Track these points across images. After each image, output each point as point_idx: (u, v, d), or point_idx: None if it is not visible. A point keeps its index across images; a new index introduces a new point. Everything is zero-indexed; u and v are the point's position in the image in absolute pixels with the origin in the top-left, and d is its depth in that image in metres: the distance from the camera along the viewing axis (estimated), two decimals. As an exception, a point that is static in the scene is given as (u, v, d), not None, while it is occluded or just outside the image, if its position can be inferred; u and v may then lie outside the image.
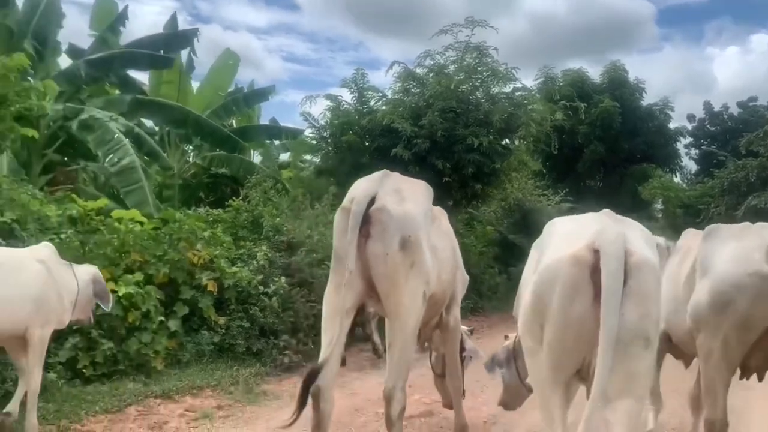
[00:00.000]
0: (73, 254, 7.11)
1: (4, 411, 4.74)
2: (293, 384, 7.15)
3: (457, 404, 5.20)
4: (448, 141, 12.66)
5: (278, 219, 9.58)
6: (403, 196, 4.07)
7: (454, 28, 13.22)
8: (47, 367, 6.01)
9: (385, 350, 8.52)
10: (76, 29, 32.58)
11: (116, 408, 5.72)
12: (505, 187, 14.40)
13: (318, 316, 8.46)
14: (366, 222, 3.87)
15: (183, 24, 17.10)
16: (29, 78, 9.61)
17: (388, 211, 3.91)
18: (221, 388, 6.65)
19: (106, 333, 6.62)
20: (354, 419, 5.76)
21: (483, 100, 13.38)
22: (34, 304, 4.62)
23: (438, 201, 13.54)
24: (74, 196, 7.73)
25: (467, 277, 5.26)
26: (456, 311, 5.03)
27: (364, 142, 13.47)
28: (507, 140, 13.90)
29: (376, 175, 4.21)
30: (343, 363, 7.94)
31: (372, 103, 13.98)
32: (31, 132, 6.99)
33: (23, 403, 4.73)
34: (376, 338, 8.56)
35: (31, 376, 4.71)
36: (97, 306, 5.32)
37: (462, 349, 5.21)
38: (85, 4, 43.73)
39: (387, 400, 4.09)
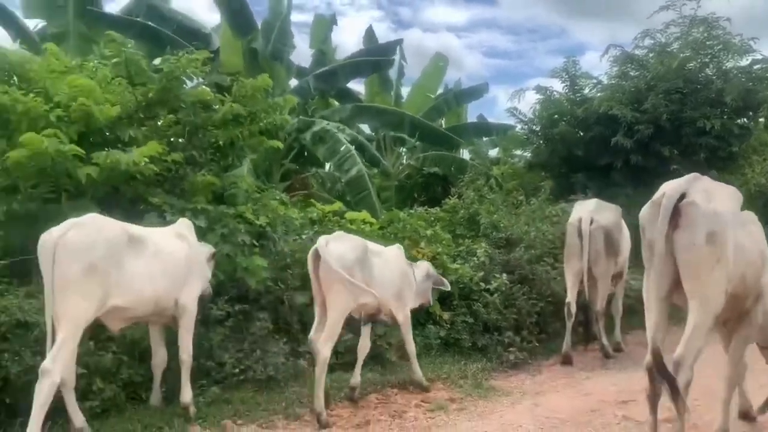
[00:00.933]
0: (314, 253, 7.87)
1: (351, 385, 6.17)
2: (521, 381, 7.15)
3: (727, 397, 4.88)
4: (674, 125, 11.71)
5: (495, 216, 9.61)
6: (712, 197, 4.33)
7: (677, 2, 12.20)
8: (298, 356, 6.75)
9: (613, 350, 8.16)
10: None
11: (359, 395, 6.16)
12: (745, 172, 12.92)
13: (541, 314, 8.50)
14: (675, 215, 4.20)
15: (386, 31, 18.25)
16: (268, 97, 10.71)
17: (697, 205, 4.23)
18: (451, 381, 6.83)
19: (348, 325, 7.18)
20: (593, 419, 5.56)
21: (714, 78, 12.13)
22: (397, 291, 6.25)
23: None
24: (313, 200, 8.51)
25: None
26: (760, 311, 4.86)
27: (577, 133, 12.99)
28: (744, 120, 12.45)
29: (688, 176, 4.52)
30: (569, 362, 7.79)
31: (586, 91, 13.44)
32: (276, 144, 7.82)
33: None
34: (604, 339, 8.18)
35: (408, 342, 6.50)
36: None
37: None
38: (297, 24, 47.60)
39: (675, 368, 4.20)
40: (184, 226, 5.64)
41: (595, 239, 7.87)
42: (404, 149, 17.49)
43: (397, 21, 55.19)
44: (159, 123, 7.23)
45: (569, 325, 7.94)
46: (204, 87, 7.38)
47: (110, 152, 6.05)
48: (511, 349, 7.73)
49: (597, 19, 56.39)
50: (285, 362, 6.40)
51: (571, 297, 7.98)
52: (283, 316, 7.10)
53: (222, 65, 12.76)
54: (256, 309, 6.70)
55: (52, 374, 4.18)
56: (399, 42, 17.69)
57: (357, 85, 17.52)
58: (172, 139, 7.33)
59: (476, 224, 9.91)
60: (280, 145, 8.17)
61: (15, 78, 6.72)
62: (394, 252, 6.51)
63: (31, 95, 6.21)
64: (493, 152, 18.86)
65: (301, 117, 13.02)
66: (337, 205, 8.19)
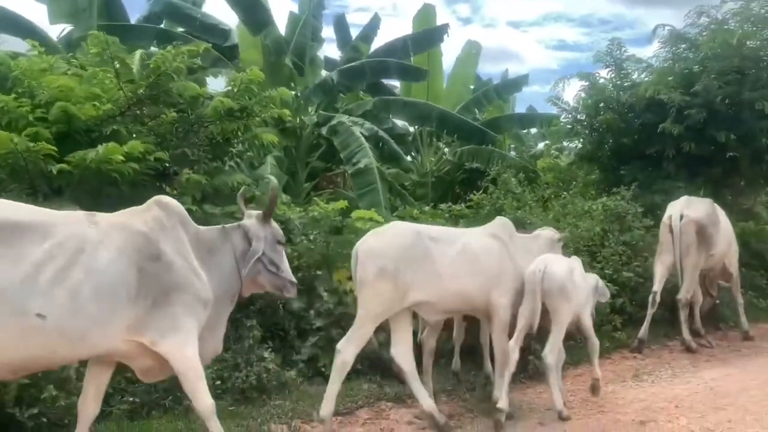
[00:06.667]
0: (320, 253, 7.39)
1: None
2: (537, 394, 6.46)
3: None
4: (730, 108, 10.60)
5: (519, 212, 8.86)
6: None
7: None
8: (290, 365, 6.30)
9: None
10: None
11: (346, 410, 5.66)
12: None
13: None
14: None
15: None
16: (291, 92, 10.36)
17: None
18: (457, 396, 6.24)
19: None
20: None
21: (777, 56, 10.90)
22: None
23: (725, 181, 11.53)
24: (316, 199, 8.03)
25: None
26: None
27: (625, 121, 11.99)
28: (814, 102, 11.13)
29: None
30: (640, 351, 7.90)
31: (635, 75, 12.41)
32: (271, 138, 7.40)
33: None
34: (686, 333, 8.13)
35: None
36: None
37: None
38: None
39: None
40: (499, 225, 5.73)
41: (685, 234, 8.01)
42: (443, 144, 16.80)
43: (457, 17, 54.33)
44: (150, 120, 6.94)
45: (650, 312, 8.03)
46: (191, 82, 6.99)
47: (83, 151, 5.78)
48: (529, 357, 7.02)
49: (667, 7, 53.62)
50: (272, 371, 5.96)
51: (657, 287, 8.11)
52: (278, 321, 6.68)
53: (241, 60, 12.50)
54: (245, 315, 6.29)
55: (343, 354, 5.03)
56: (444, 28, 15.67)
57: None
58: (167, 136, 7.04)
59: (503, 221, 9.20)
60: (274, 139, 7.71)
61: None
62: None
63: (13, 95, 6.05)
64: (542, 145, 17.94)
65: (320, 112, 12.59)
66: (342, 204, 7.64)
